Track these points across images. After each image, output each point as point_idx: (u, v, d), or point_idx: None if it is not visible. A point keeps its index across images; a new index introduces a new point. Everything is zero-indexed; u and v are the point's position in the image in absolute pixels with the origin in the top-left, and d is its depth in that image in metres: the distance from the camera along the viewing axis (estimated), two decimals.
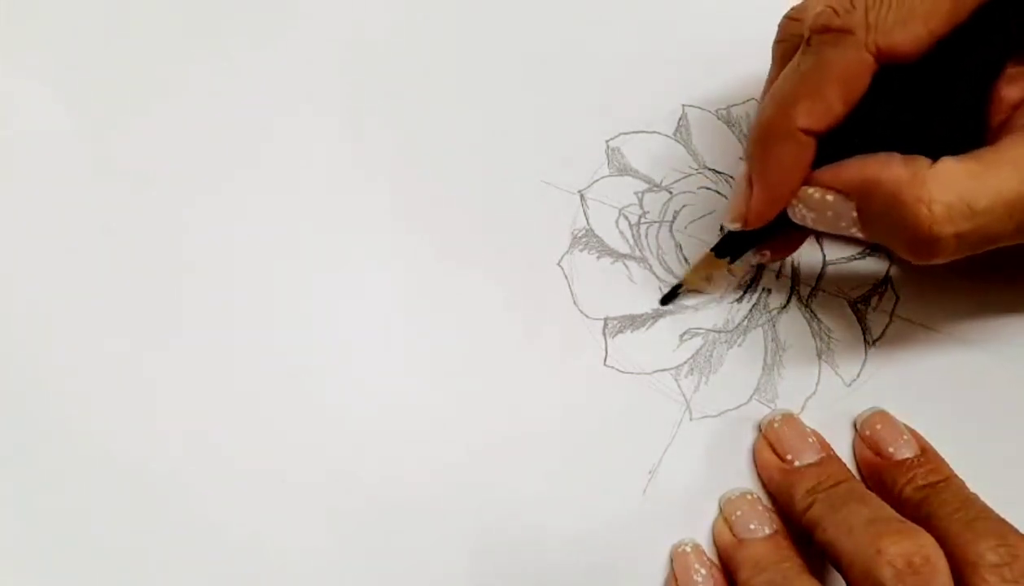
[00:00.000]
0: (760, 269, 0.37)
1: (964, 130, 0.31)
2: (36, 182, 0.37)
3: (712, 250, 0.35)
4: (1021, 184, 0.29)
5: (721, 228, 0.36)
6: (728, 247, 0.35)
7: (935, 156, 0.29)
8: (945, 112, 0.31)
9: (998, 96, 0.31)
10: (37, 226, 0.37)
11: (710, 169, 0.38)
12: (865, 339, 0.36)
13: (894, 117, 0.31)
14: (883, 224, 0.30)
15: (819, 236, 0.37)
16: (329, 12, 0.39)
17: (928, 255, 0.30)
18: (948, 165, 0.29)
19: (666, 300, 0.36)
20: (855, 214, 0.31)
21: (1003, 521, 0.31)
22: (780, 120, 0.31)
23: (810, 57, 0.30)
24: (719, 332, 0.36)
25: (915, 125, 0.31)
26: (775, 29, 0.36)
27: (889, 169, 0.30)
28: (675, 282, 0.36)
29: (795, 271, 0.37)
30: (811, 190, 0.31)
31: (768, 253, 0.35)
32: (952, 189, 0.29)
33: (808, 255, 0.37)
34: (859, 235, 0.31)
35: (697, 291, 0.36)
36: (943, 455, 0.34)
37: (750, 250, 0.35)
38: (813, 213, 0.31)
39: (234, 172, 0.37)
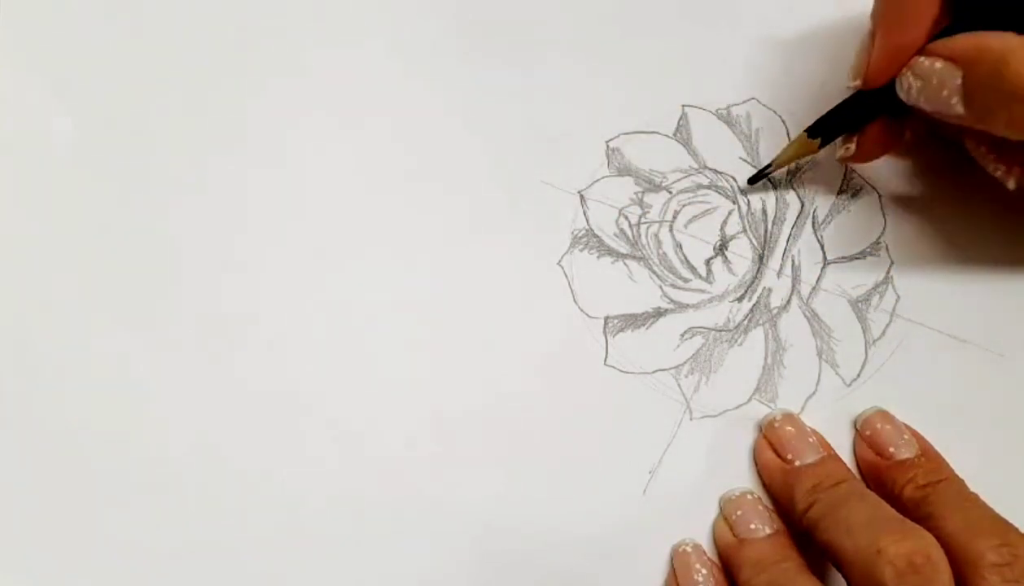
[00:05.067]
0: (761, 268, 0.37)
1: None
2: (36, 182, 0.37)
3: (806, 131, 0.35)
4: None
5: (813, 130, 0.36)
6: (821, 128, 0.35)
7: None
8: None
9: None
10: (37, 226, 0.37)
11: (710, 169, 0.38)
12: (865, 339, 0.36)
13: None
14: (985, 91, 0.30)
15: (821, 234, 0.37)
16: (329, 13, 0.39)
17: None
18: None
19: (753, 180, 0.37)
20: (959, 81, 0.31)
21: (1004, 521, 0.31)
22: None
23: None
24: (719, 331, 0.36)
25: None
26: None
27: (1002, 39, 0.30)
28: (759, 170, 0.37)
29: (796, 270, 0.37)
30: (922, 58, 0.32)
31: (853, 147, 0.35)
32: None
33: (809, 254, 0.37)
34: (959, 109, 0.31)
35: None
36: (943, 455, 0.34)
37: (840, 137, 0.35)
38: (920, 81, 0.32)
39: (235, 171, 0.37)
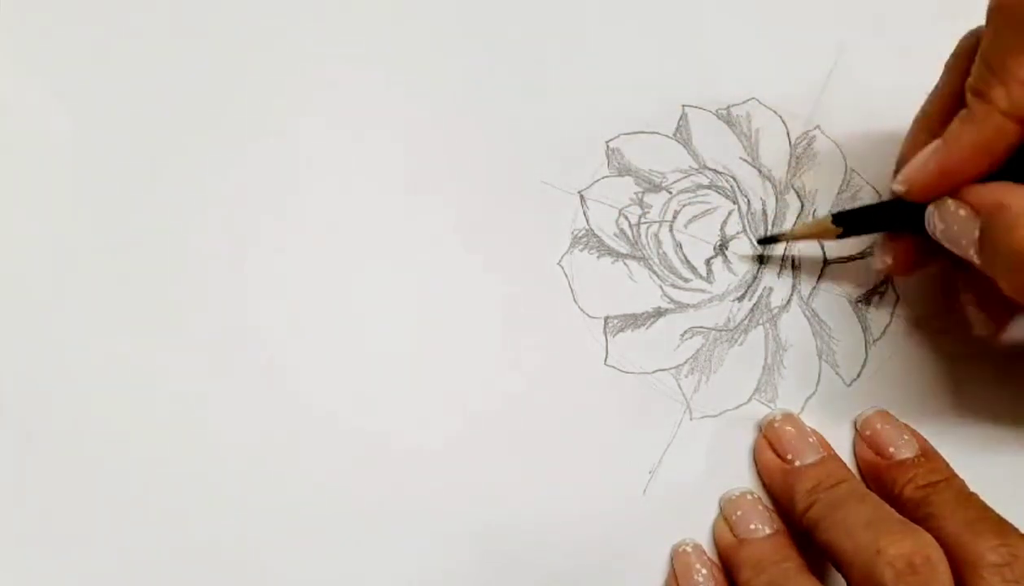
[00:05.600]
0: (761, 267, 0.37)
1: None
2: (36, 182, 0.37)
3: (833, 214, 0.35)
4: None
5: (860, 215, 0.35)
6: (848, 220, 0.34)
7: None
8: None
9: None
10: (37, 226, 0.37)
11: (710, 169, 0.38)
12: (866, 339, 0.36)
13: None
14: (995, 249, 0.29)
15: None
16: (329, 13, 0.39)
17: (1019, 284, 0.28)
18: None
19: (764, 242, 0.36)
20: (977, 234, 0.30)
21: (1004, 521, 0.31)
22: (985, 106, 0.30)
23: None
24: (720, 331, 0.36)
25: None
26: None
27: (1023, 196, 0.29)
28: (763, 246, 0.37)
29: (796, 270, 0.37)
30: (949, 201, 0.31)
31: (890, 261, 0.34)
32: None
33: (809, 254, 0.37)
34: (975, 259, 0.30)
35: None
36: (943, 455, 0.34)
37: (878, 252, 0.35)
38: (943, 224, 0.31)
39: (235, 171, 0.37)
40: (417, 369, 0.36)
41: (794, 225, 0.37)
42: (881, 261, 0.35)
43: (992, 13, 0.30)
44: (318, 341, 0.36)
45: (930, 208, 0.31)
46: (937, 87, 0.34)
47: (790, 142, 0.38)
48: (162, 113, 0.38)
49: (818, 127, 0.38)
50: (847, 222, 0.35)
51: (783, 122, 0.38)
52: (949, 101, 0.32)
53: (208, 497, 0.35)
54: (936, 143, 0.31)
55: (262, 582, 0.34)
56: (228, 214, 0.37)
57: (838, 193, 0.37)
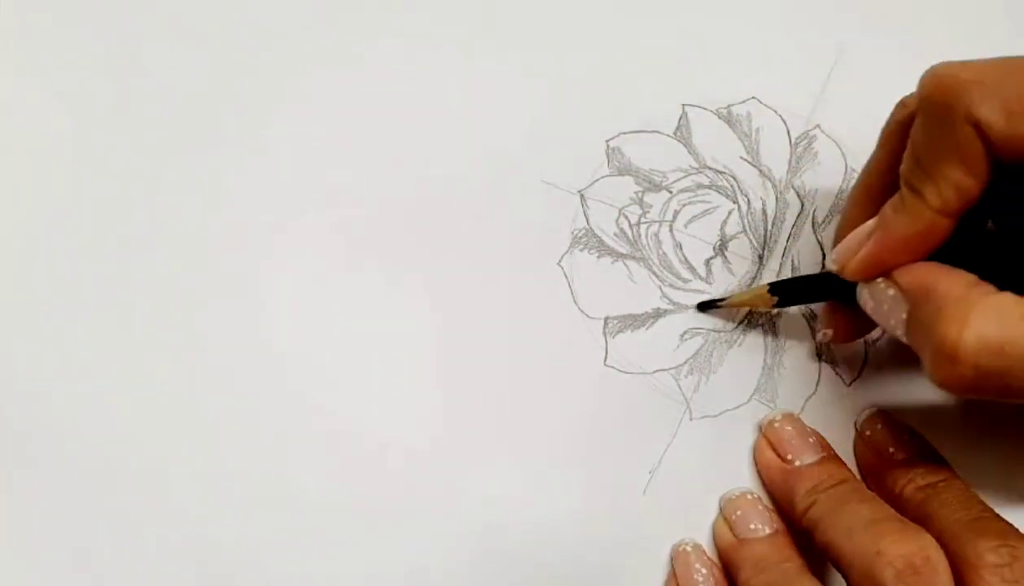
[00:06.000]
0: (760, 268, 0.37)
1: None
2: (36, 183, 0.37)
3: (769, 285, 0.35)
4: None
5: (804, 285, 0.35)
6: (783, 290, 0.35)
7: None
8: None
9: None
10: (37, 227, 0.37)
11: (710, 168, 0.38)
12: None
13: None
14: (920, 332, 0.29)
15: (820, 234, 0.37)
16: (329, 13, 0.39)
17: (944, 376, 0.28)
18: (1005, 299, 0.27)
19: (703, 306, 0.36)
20: (904, 316, 0.30)
21: (1004, 521, 0.31)
22: (918, 201, 0.30)
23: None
24: (719, 332, 0.36)
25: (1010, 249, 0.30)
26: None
27: (949, 281, 0.28)
28: (707, 297, 0.36)
29: (796, 270, 0.37)
30: (880, 280, 0.31)
31: (831, 333, 0.34)
32: (995, 321, 0.27)
33: (808, 255, 0.37)
34: (903, 339, 0.30)
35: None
36: (943, 455, 0.34)
37: (819, 324, 0.35)
38: (872, 302, 0.31)
39: (236, 171, 0.37)
40: (417, 369, 0.36)
41: (730, 296, 0.36)
42: (822, 334, 0.35)
43: (921, 103, 0.29)
44: (318, 341, 0.36)
45: (861, 287, 0.31)
46: (872, 159, 0.33)
47: (790, 142, 0.38)
48: (162, 113, 0.38)
49: (818, 127, 0.38)
50: (782, 292, 0.35)
51: (783, 122, 0.38)
52: (884, 175, 0.32)
53: (208, 497, 0.35)
54: (870, 226, 0.31)
55: (262, 582, 0.34)
56: (228, 214, 0.37)
57: (838, 193, 0.37)
